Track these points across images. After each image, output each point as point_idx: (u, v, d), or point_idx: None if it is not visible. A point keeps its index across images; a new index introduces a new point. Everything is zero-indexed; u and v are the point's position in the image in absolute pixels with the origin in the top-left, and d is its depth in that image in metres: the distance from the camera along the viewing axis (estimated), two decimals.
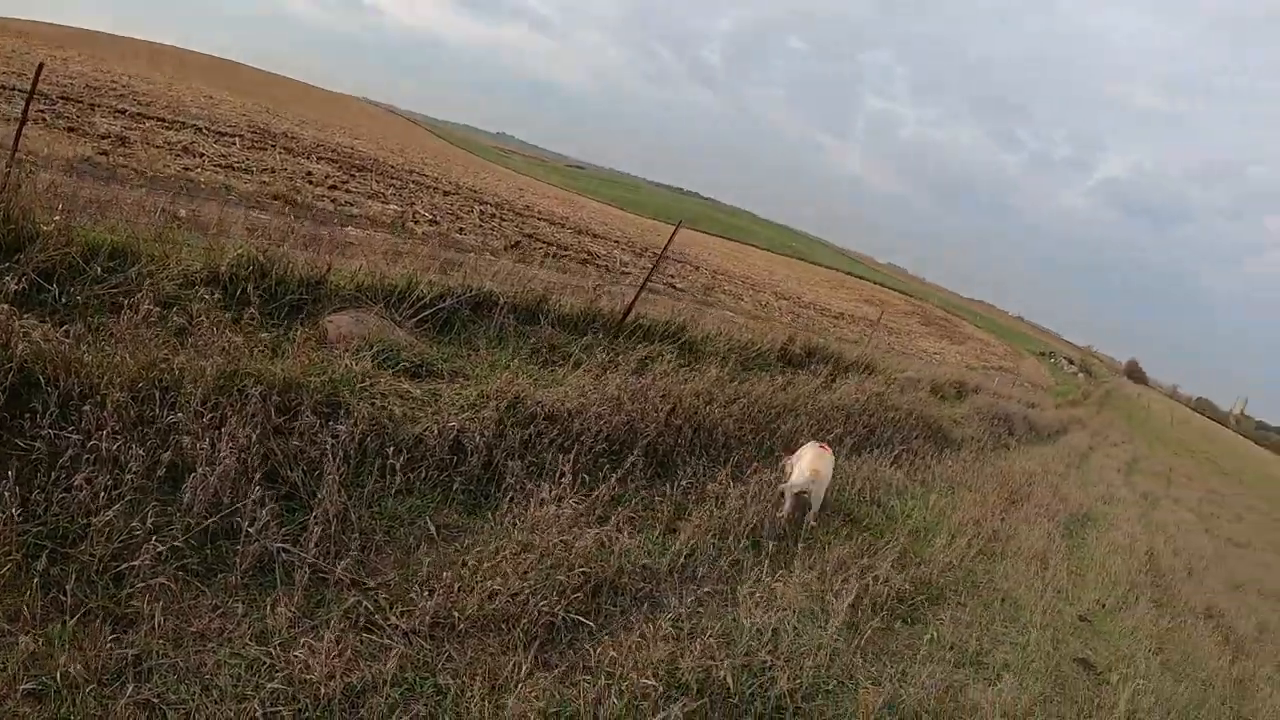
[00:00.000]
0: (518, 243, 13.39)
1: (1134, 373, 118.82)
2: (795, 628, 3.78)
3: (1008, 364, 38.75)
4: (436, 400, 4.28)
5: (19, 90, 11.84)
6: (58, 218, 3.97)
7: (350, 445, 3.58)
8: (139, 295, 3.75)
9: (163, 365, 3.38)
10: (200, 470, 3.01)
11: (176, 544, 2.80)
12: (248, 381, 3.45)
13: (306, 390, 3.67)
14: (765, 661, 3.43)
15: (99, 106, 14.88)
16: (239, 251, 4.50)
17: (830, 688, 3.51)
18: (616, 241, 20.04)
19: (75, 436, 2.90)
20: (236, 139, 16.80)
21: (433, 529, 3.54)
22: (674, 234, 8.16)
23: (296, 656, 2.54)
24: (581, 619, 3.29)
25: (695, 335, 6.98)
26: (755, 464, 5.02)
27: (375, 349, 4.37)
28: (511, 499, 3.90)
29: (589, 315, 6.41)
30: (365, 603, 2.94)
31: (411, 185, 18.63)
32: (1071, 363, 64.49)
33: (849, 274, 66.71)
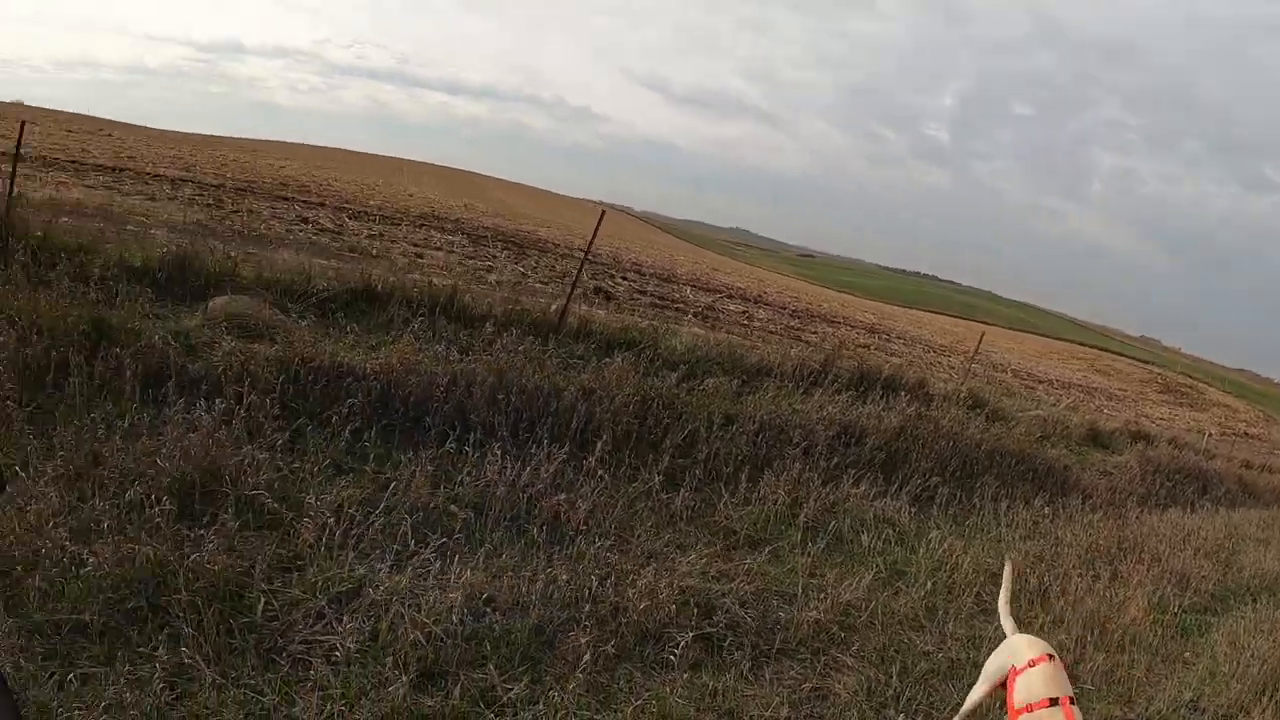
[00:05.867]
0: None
1: None
2: None
3: (1255, 430, 35.16)
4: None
5: None
6: None
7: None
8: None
9: None
10: None
11: None
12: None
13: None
14: None
15: None
16: (163, 249, 5.94)
17: None
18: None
19: None
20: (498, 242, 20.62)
21: None
22: (599, 225, 9.13)
23: None
24: None
25: (669, 346, 7.27)
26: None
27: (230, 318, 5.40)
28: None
29: (510, 315, 6.75)
30: None
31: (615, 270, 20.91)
32: None
33: (1087, 345, 63.92)
